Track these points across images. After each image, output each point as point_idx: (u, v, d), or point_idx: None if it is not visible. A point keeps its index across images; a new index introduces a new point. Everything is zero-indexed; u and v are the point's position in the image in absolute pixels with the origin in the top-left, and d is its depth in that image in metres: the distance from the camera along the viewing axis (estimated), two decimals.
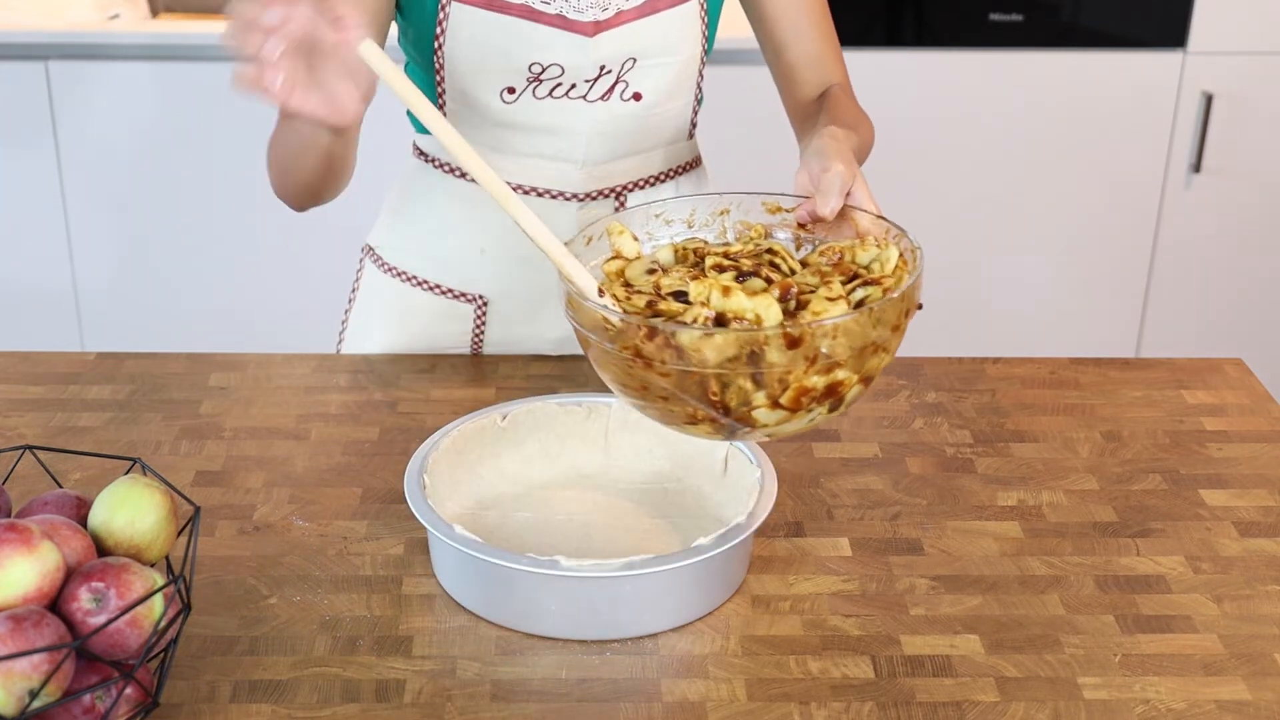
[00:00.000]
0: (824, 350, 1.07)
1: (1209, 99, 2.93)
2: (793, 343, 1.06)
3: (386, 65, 1.09)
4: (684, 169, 1.61)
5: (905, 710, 1.07)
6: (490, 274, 1.57)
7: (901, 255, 1.18)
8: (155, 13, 3.07)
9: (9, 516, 1.06)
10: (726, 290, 1.11)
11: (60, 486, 1.14)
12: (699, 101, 1.56)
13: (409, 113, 1.54)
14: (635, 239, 1.27)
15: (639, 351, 1.09)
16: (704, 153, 1.66)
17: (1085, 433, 1.46)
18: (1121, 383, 1.56)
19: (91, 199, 2.95)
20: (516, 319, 1.60)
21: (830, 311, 1.09)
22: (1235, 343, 3.12)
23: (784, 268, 1.19)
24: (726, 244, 1.26)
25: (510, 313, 1.59)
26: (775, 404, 1.09)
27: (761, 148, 2.95)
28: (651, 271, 1.22)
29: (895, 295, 1.09)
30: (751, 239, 1.25)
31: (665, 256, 1.25)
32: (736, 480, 1.27)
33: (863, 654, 1.13)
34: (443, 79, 1.47)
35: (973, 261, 3.02)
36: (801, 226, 1.26)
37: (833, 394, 1.10)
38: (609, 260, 1.25)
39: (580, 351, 1.62)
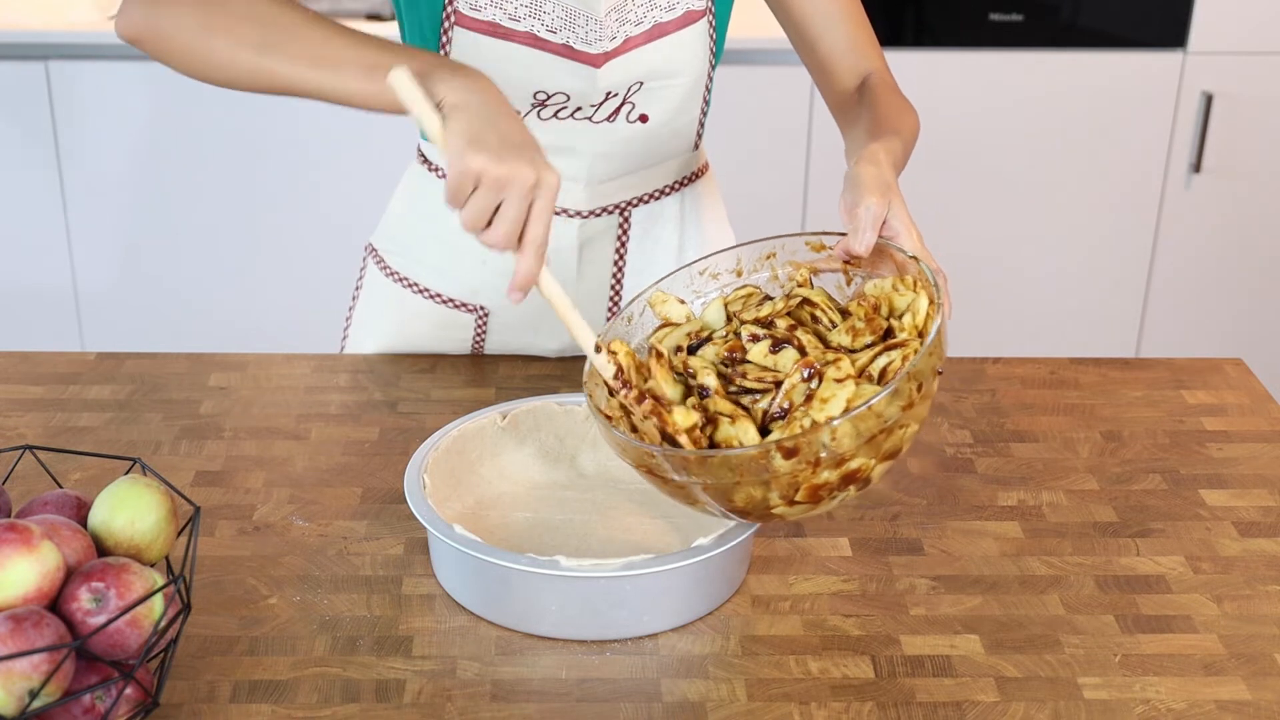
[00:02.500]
0: (823, 454, 1.06)
1: (1209, 99, 2.93)
2: (788, 454, 1.06)
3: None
4: (689, 179, 1.59)
5: (905, 710, 1.07)
6: (491, 285, 1.56)
7: (932, 302, 1.15)
8: None
9: (9, 516, 1.06)
10: (706, 420, 1.13)
11: (60, 486, 1.14)
12: (705, 112, 1.55)
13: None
14: (681, 301, 1.27)
15: (650, 470, 1.12)
16: (711, 157, 1.65)
17: (1085, 433, 1.46)
18: (1121, 383, 1.56)
19: (91, 199, 2.95)
20: (517, 329, 1.59)
21: (829, 408, 1.08)
22: (1235, 343, 3.12)
23: (824, 320, 1.19)
24: (764, 298, 1.24)
25: (511, 323, 1.59)
26: (792, 502, 1.10)
27: (767, 148, 2.96)
28: (680, 350, 1.22)
29: (890, 388, 1.05)
30: (786, 298, 1.23)
31: (715, 314, 1.25)
32: None
33: (863, 654, 1.13)
34: None
35: (973, 261, 3.02)
36: (846, 262, 1.25)
37: (853, 480, 1.10)
38: (657, 330, 1.25)
39: (579, 353, 1.62)
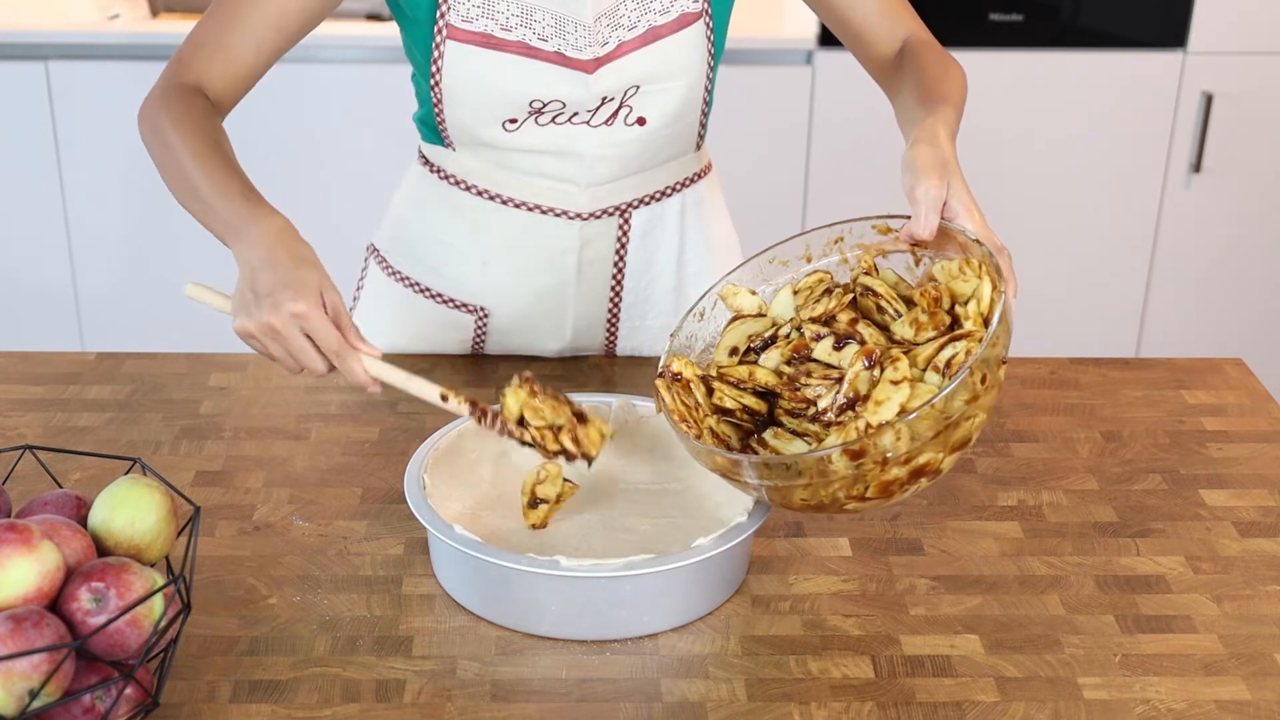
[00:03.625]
0: (889, 453, 1.06)
1: (1209, 99, 2.93)
2: (854, 456, 1.06)
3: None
4: (691, 180, 1.58)
5: (905, 710, 1.07)
6: (491, 286, 1.56)
7: (995, 289, 1.14)
8: (155, 13, 3.07)
9: (9, 516, 1.06)
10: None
11: (60, 486, 1.14)
12: (706, 113, 1.54)
13: (415, 117, 1.55)
14: (753, 293, 1.27)
15: (725, 473, 1.13)
16: (711, 158, 1.64)
17: (1085, 433, 1.46)
18: (1121, 383, 1.56)
19: (91, 199, 2.95)
20: (517, 331, 1.59)
21: (883, 411, 1.08)
22: (1235, 343, 3.12)
23: (889, 310, 1.18)
24: (829, 288, 1.24)
25: (511, 325, 1.59)
26: (864, 498, 1.10)
27: (767, 148, 2.96)
28: (735, 352, 1.23)
29: (945, 391, 1.05)
30: (844, 289, 1.23)
31: (783, 302, 1.25)
32: None
33: (863, 654, 1.13)
34: (441, 110, 1.46)
35: None
36: (912, 245, 1.24)
37: (924, 474, 1.10)
38: (731, 322, 1.25)
39: (579, 353, 1.62)
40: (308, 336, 1.18)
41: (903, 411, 1.08)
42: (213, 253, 3.03)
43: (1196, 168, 2.98)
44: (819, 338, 1.19)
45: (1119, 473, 1.39)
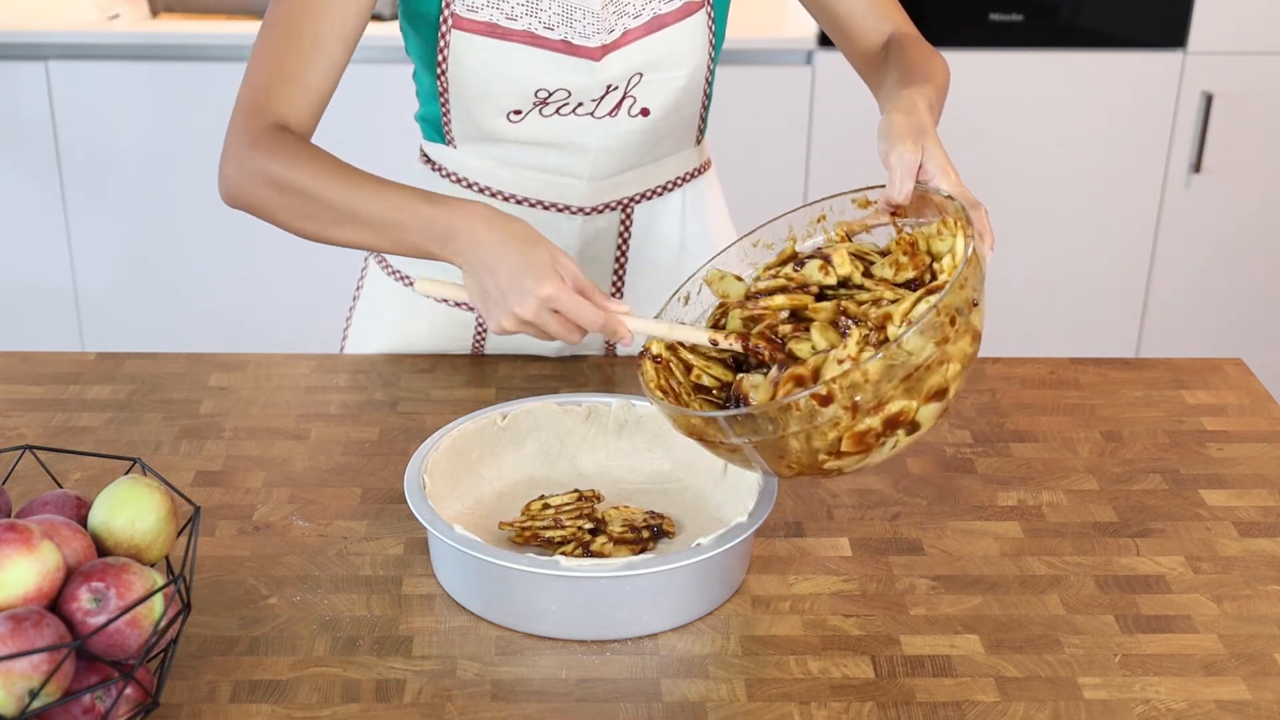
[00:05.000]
0: (858, 399, 1.05)
1: (1209, 99, 2.93)
2: (823, 402, 1.05)
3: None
4: (692, 175, 1.59)
5: (905, 710, 1.07)
6: None
7: (967, 238, 1.15)
8: (155, 13, 3.07)
9: (9, 516, 1.06)
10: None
11: (60, 486, 1.14)
12: (707, 106, 1.55)
13: (418, 116, 1.55)
14: (739, 278, 1.26)
15: (702, 437, 1.13)
16: (714, 156, 1.64)
17: (1085, 433, 1.46)
18: (1121, 383, 1.56)
19: (91, 199, 2.95)
20: None
21: (827, 369, 1.08)
22: (1235, 343, 3.12)
23: (874, 276, 1.18)
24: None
25: None
26: (840, 454, 1.09)
27: (767, 148, 2.96)
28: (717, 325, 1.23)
29: (916, 326, 1.04)
30: (824, 246, 1.23)
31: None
32: (736, 480, 1.27)
33: (863, 654, 1.13)
34: (447, 100, 1.46)
35: None
36: (893, 214, 1.23)
37: (898, 425, 1.08)
38: (718, 308, 1.25)
39: (579, 353, 1.62)
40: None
41: (864, 349, 1.08)
42: (213, 252, 3.04)
43: (1196, 168, 2.98)
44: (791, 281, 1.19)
45: (1119, 473, 1.39)
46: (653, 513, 1.26)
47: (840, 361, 1.09)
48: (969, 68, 2.92)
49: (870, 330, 1.11)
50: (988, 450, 1.42)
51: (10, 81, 2.85)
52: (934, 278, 1.16)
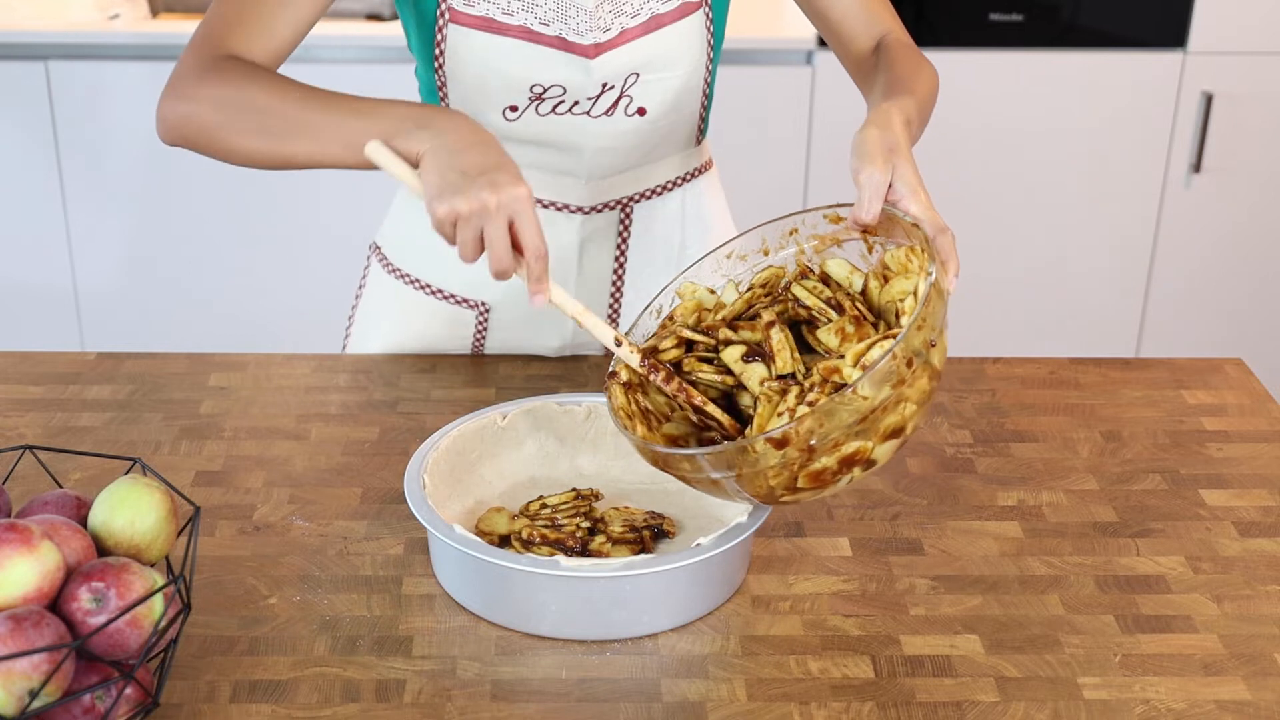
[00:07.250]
0: (813, 442, 1.05)
1: (1209, 99, 2.93)
2: (779, 445, 1.05)
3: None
4: (692, 175, 1.59)
5: (905, 710, 1.07)
6: (493, 281, 1.56)
7: (935, 283, 1.13)
8: (155, 13, 3.07)
9: (9, 516, 1.06)
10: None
11: (60, 486, 1.14)
12: (707, 106, 1.54)
13: None
14: (711, 291, 1.26)
15: (666, 465, 1.13)
16: (714, 156, 1.64)
17: (1085, 433, 1.46)
18: (1121, 383, 1.56)
19: (91, 199, 2.95)
20: (518, 326, 1.59)
21: (775, 422, 1.09)
22: (1235, 343, 3.12)
23: (820, 319, 1.18)
24: (780, 282, 1.25)
25: (512, 320, 1.59)
26: (795, 489, 1.09)
27: (767, 148, 2.96)
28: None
29: (851, 387, 1.04)
30: (784, 289, 1.23)
31: (729, 300, 1.25)
32: None
33: (863, 654, 1.13)
34: (445, 96, 1.46)
35: (972, 261, 3.02)
36: (863, 231, 1.23)
37: (854, 463, 1.09)
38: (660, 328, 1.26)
39: (579, 353, 1.62)
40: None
41: (823, 394, 1.08)
42: (213, 252, 3.04)
43: (1196, 168, 2.98)
44: (728, 343, 1.19)
45: (1119, 473, 1.39)
46: (653, 513, 1.26)
47: (780, 415, 1.10)
48: (969, 68, 2.92)
49: (817, 382, 1.11)
50: (988, 450, 1.42)
51: (10, 81, 2.85)
52: (898, 318, 1.16)
